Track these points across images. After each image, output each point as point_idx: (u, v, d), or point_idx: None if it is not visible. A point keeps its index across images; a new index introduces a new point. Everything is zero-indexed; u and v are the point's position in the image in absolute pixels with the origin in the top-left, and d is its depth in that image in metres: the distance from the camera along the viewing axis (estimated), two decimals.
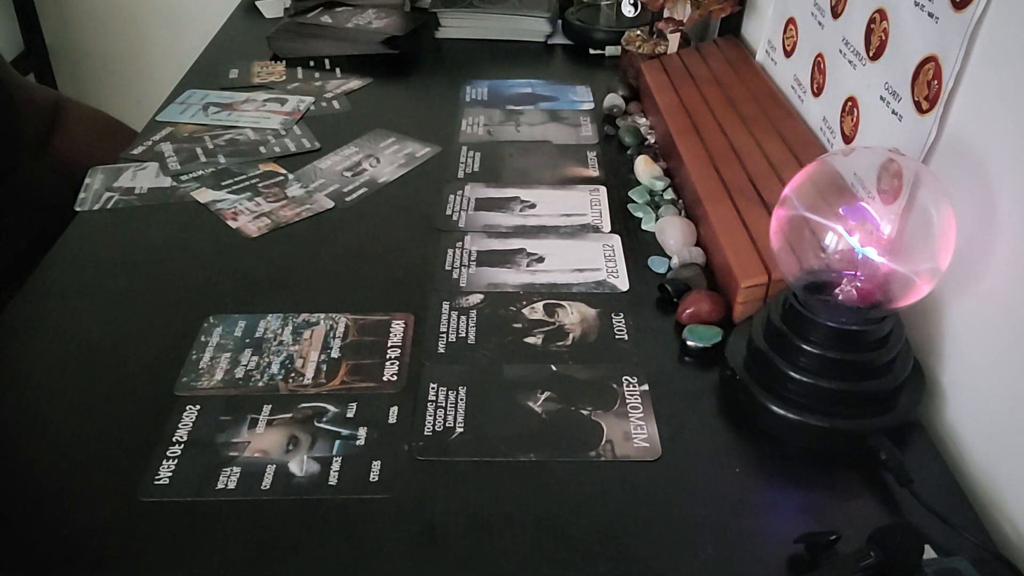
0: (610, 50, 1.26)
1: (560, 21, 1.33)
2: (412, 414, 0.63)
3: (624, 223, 0.86)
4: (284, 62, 1.22)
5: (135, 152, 0.97)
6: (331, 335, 0.70)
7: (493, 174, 0.95)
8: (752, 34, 1.13)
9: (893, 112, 0.70)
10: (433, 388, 0.65)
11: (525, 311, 0.73)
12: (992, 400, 0.59)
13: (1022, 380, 0.55)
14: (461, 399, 0.64)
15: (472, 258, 0.80)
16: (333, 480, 0.57)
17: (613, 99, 1.08)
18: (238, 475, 0.58)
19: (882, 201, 0.65)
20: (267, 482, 0.57)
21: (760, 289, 0.70)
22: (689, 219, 0.83)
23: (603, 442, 0.60)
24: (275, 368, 0.67)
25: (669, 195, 0.89)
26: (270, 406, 0.63)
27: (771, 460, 0.60)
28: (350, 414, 0.63)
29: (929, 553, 0.52)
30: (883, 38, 0.72)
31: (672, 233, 0.81)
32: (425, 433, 0.61)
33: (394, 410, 0.63)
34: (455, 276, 0.78)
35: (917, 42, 0.66)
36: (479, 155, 0.98)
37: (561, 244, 0.82)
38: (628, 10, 1.24)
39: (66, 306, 0.74)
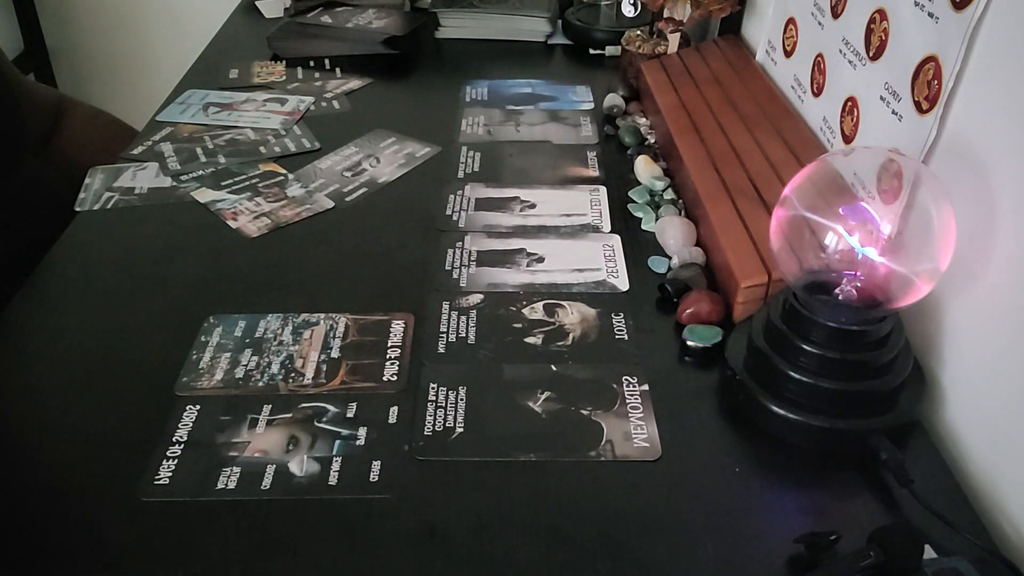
0: (610, 50, 1.26)
1: (560, 21, 1.33)
2: (412, 414, 0.63)
3: (624, 223, 0.86)
4: (284, 62, 1.22)
5: (135, 152, 0.97)
6: (331, 335, 0.70)
7: (493, 174, 0.95)
8: (752, 34, 1.13)
9: (893, 112, 0.70)
10: (433, 388, 0.65)
11: (525, 311, 0.73)
12: (992, 400, 0.59)
13: (1022, 380, 0.55)
14: (461, 399, 0.64)
15: (472, 258, 0.80)
16: (333, 480, 0.57)
17: (613, 99, 1.08)
18: (238, 475, 0.58)
19: (882, 201, 0.65)
20: (267, 482, 0.57)
21: (760, 289, 0.70)
22: (689, 219, 0.83)
23: (603, 442, 0.60)
24: (275, 368, 0.67)
25: (669, 195, 0.89)
26: (270, 406, 0.63)
27: (771, 460, 0.60)
28: (350, 414, 0.63)
29: (929, 553, 0.52)
30: (883, 38, 0.72)
31: (672, 233, 0.81)
32: (425, 433, 0.61)
33: (394, 410, 0.63)
34: (455, 276, 0.78)
35: (917, 42, 0.66)
36: (479, 155, 0.98)
37: (561, 244, 0.82)
38: (628, 10, 1.24)
39: (66, 306, 0.74)
